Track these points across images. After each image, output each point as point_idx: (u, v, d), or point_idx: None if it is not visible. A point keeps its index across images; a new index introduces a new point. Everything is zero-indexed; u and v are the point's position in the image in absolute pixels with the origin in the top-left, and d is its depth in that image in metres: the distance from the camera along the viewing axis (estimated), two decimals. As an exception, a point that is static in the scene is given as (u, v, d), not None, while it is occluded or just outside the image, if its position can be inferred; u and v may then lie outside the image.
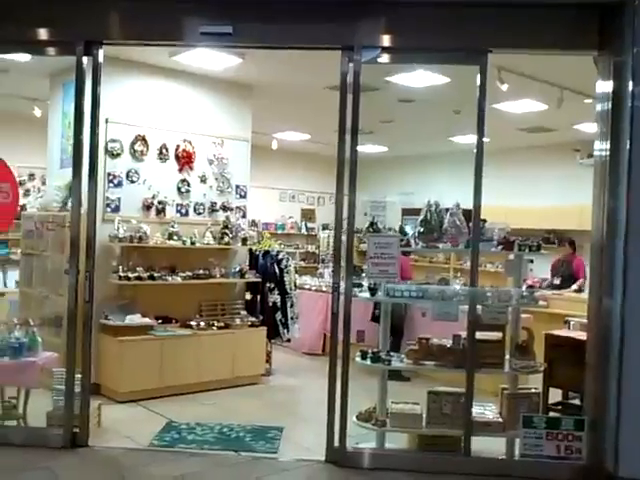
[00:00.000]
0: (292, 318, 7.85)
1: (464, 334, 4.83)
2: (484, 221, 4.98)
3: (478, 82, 4.87)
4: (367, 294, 5.19)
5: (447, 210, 5.17)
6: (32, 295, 7.06)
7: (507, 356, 4.94)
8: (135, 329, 6.50)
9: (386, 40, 4.98)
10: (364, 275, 5.38)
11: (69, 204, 6.43)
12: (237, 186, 7.68)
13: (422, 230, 5.05)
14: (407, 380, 7.06)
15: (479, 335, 4.76)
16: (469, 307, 4.77)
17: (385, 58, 5.06)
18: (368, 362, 5.09)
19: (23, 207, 8.09)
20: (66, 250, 5.38)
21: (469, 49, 4.93)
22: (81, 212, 5.11)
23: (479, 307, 4.78)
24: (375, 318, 7.10)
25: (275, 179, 13.50)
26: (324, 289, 9.42)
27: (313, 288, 9.59)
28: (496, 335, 4.90)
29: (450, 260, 12.23)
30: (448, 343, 4.97)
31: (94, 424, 5.30)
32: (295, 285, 8.06)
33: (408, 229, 5.24)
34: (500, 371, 4.91)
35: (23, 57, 6.58)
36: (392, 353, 5.14)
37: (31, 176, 9.94)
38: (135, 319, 6.53)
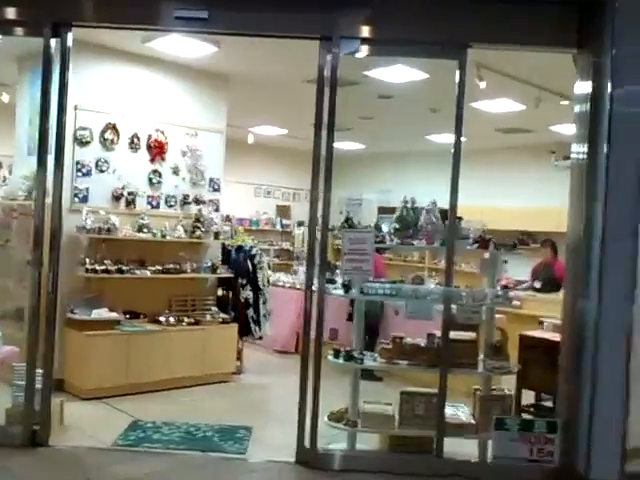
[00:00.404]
0: (264, 315, 7.70)
1: (438, 333, 4.74)
2: (460, 219, 4.91)
3: (457, 78, 4.78)
4: (341, 291, 5.08)
5: (423, 209, 5.10)
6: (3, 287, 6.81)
7: (481, 356, 4.87)
8: (102, 324, 6.30)
9: (365, 31, 4.86)
10: (338, 272, 5.27)
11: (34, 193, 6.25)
12: (211, 179, 7.51)
13: (398, 226, 4.97)
14: (379, 380, 6.98)
15: (453, 335, 4.68)
16: (444, 306, 4.69)
17: (364, 50, 4.96)
18: (340, 361, 4.99)
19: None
20: (31, 241, 5.18)
21: (449, 43, 4.84)
22: (46, 202, 4.91)
23: (453, 306, 4.70)
24: (351, 317, 7.00)
25: (250, 174, 13.35)
26: (298, 287, 9.28)
27: (287, 285, 9.46)
28: (470, 335, 4.83)
29: (425, 259, 12.19)
30: (422, 342, 4.88)
31: (56, 422, 5.10)
32: (268, 282, 7.91)
33: (384, 227, 5.14)
34: (474, 371, 4.83)
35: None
36: (365, 352, 5.03)
37: (-1, 165, 9.64)
38: (102, 313, 6.34)
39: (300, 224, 13.98)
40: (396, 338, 4.95)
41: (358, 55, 4.96)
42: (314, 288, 4.99)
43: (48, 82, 4.85)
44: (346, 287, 5.02)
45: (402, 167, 12.98)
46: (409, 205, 5.00)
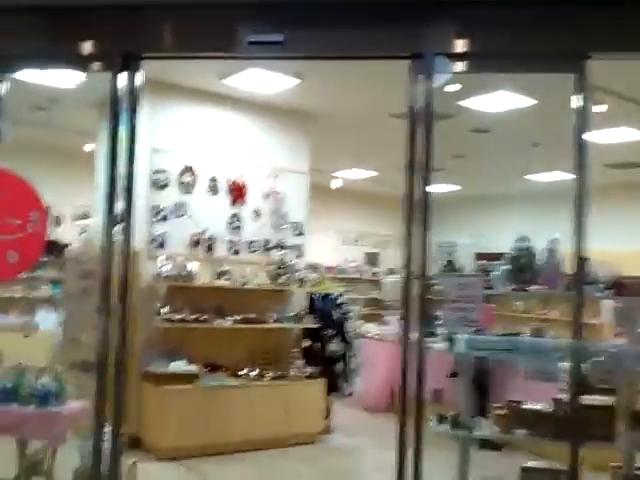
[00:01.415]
0: (354, 370, 7.03)
1: (566, 398, 3.90)
2: (586, 259, 4.12)
3: (574, 98, 4.06)
4: (443, 345, 4.37)
5: (542, 249, 4.34)
6: (73, 337, 6.53)
7: (620, 427, 3.98)
8: (180, 377, 5.85)
9: (461, 46, 4.28)
10: (439, 323, 4.58)
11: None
12: (293, 223, 7.04)
13: (511, 269, 4.22)
14: (498, 449, 5.99)
15: (585, 400, 3.83)
16: (572, 365, 3.85)
17: (460, 67, 4.37)
18: (446, 428, 4.24)
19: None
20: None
21: (563, 54, 4.16)
22: (113, 249, 4.53)
23: (584, 365, 3.87)
24: (454, 374, 6.21)
25: (338, 221, 12.91)
26: (390, 338, 8.58)
27: (377, 337, 8.75)
28: (606, 400, 3.96)
29: (534, 309, 11.09)
30: (544, 408, 4.05)
31: (127, 486, 4.61)
32: (358, 333, 7.26)
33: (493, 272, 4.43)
34: (610, 445, 3.94)
35: (70, 83, 6.27)
36: (476, 418, 4.26)
37: (86, 216, 9.64)
38: (180, 366, 5.89)
39: (390, 272, 13.32)
40: (512, 402, 4.16)
41: (454, 72, 4.36)
42: (410, 342, 4.30)
43: (117, 123, 4.54)
44: (450, 340, 4.31)
45: (498, 209, 12.16)
46: (524, 245, 4.26)
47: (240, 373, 6.29)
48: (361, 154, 9.63)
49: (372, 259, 13.62)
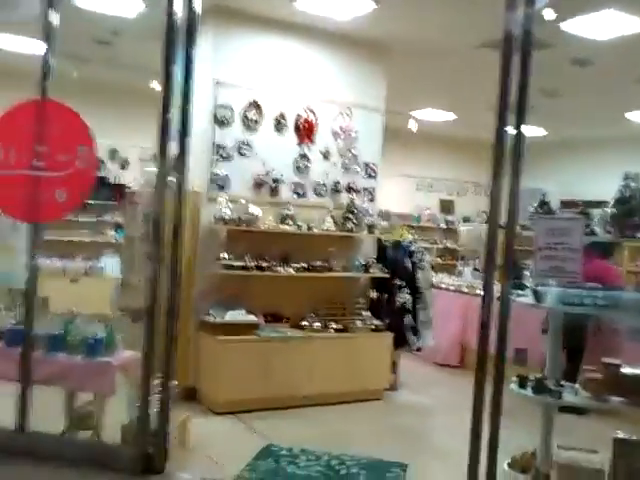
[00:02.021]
0: (425, 323, 6.57)
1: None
2: None
3: None
4: (530, 299, 3.83)
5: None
6: (129, 283, 6.34)
7: None
8: (238, 328, 5.54)
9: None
10: (528, 274, 4.04)
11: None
12: (366, 164, 6.52)
13: (616, 212, 3.60)
14: (583, 414, 5.38)
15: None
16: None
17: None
18: (528, 392, 3.75)
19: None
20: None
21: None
22: (165, 191, 4.17)
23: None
24: (545, 331, 5.63)
25: (411, 166, 12.26)
26: (464, 290, 8.05)
27: (451, 288, 8.24)
28: None
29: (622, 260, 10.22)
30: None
31: (179, 442, 4.39)
32: (431, 284, 6.76)
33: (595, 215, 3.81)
34: None
35: (130, 12, 5.88)
36: (564, 383, 3.74)
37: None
38: (238, 316, 5.58)
39: (466, 220, 12.64)
40: (609, 366, 3.61)
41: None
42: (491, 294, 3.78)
43: (172, 54, 4.10)
44: (537, 294, 3.77)
45: (591, 155, 11.22)
46: (633, 184, 3.62)
47: (302, 324, 5.94)
48: (440, 92, 8.90)
49: (447, 207, 12.94)
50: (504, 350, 3.58)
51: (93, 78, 8.50)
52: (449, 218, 12.80)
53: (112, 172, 9.60)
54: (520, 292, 3.91)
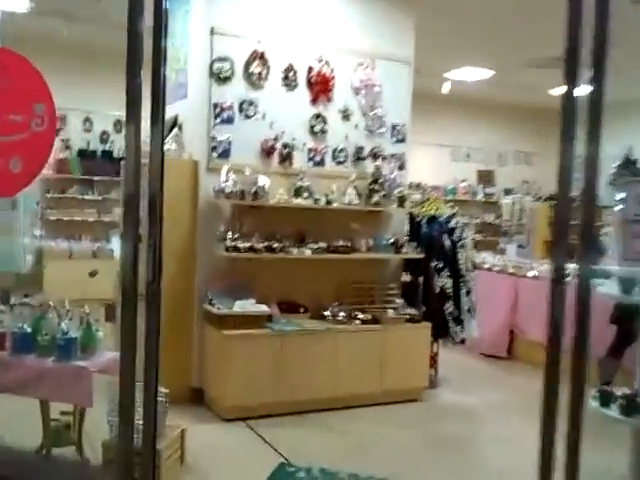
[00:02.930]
0: (468, 310, 5.62)
1: None
2: None
3: None
4: (614, 288, 2.88)
5: None
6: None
7: None
8: (247, 320, 4.67)
9: None
10: (606, 256, 3.07)
11: (166, 148, 4.78)
12: (393, 126, 5.55)
13: None
14: None
15: None
16: None
17: None
18: (614, 412, 2.81)
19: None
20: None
21: None
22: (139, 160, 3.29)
23: None
24: (618, 319, 4.68)
25: (445, 134, 11.22)
26: (511, 270, 7.06)
27: (496, 268, 7.24)
28: None
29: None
30: None
31: (174, 460, 3.57)
32: (473, 265, 5.79)
33: None
34: None
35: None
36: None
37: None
38: (248, 306, 4.71)
39: (507, 192, 11.56)
40: None
41: None
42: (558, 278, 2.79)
43: (136, 3, 3.19)
44: (625, 283, 2.81)
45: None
46: None
47: (323, 315, 5.05)
48: (477, 46, 7.84)
49: (486, 178, 11.85)
50: (584, 354, 2.66)
51: (91, 41, 7.68)
52: (488, 190, 11.72)
53: (118, 145, 8.81)
54: (599, 281, 2.96)
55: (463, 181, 11.52)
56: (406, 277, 5.71)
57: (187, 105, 5.15)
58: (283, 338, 4.71)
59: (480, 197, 11.61)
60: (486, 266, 7.19)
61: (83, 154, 8.89)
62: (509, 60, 8.43)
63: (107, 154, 8.98)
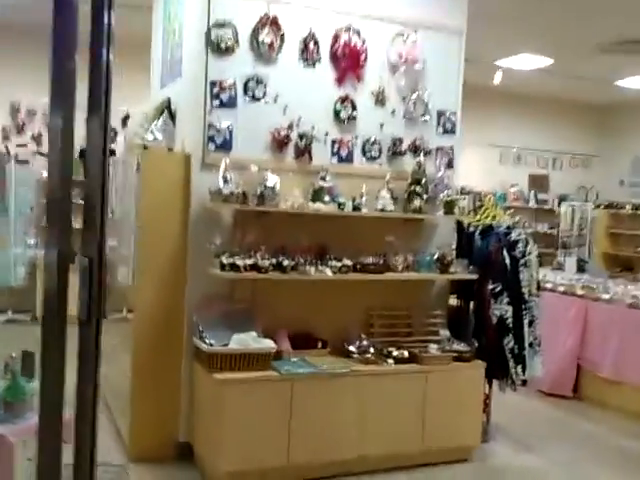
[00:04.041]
0: (531, 344, 4.46)
1: None
2: None
3: None
4: None
5: None
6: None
7: None
8: (248, 359, 3.61)
9: None
10: None
11: (150, 136, 3.81)
12: (440, 113, 4.45)
13: None
14: None
15: None
16: None
17: None
18: None
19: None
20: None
21: None
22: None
23: None
24: None
25: (492, 133, 10.04)
26: (579, 291, 5.85)
27: (559, 289, 6.04)
28: None
29: None
30: None
31: None
32: (538, 286, 4.61)
33: None
34: None
35: None
36: None
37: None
38: (248, 340, 3.64)
39: (563, 199, 10.32)
40: None
41: None
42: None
43: None
44: None
45: None
46: None
47: (348, 350, 3.96)
48: (536, 27, 6.68)
49: (539, 182, 10.61)
50: None
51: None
52: (542, 196, 10.48)
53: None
54: None
55: (513, 186, 10.30)
56: (453, 302, 4.61)
57: (180, 86, 4.14)
58: (294, 383, 3.63)
59: (532, 204, 10.37)
60: (548, 286, 5.99)
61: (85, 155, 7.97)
62: (572, 45, 7.26)
63: (112, 153, 8.05)
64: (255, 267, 3.67)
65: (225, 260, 3.61)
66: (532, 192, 10.44)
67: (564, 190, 10.54)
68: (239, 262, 3.62)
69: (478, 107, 8.90)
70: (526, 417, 5.20)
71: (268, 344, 3.67)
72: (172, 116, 4.17)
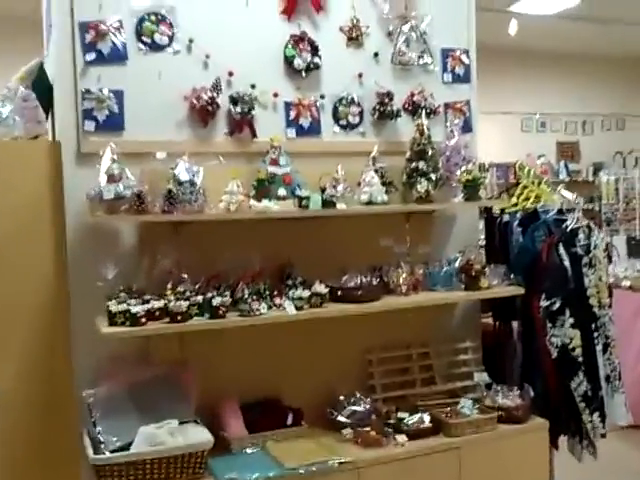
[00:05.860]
0: (608, 379, 3.01)
1: None
2: None
3: None
4: None
5: None
6: None
7: None
8: (167, 467, 2.21)
9: None
10: None
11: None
12: (445, 52, 3.02)
13: None
14: None
15: None
16: None
17: None
18: None
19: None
20: None
21: None
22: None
23: None
24: None
25: (511, 99, 8.66)
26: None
27: (624, 283, 4.59)
28: None
29: None
30: None
31: None
32: (610, 293, 3.15)
33: None
34: None
35: None
36: None
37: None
38: (162, 435, 2.23)
39: (598, 167, 8.89)
40: None
41: None
42: None
43: None
44: None
45: None
46: None
47: (336, 421, 2.56)
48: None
49: (568, 151, 9.19)
50: None
51: None
52: (573, 167, 9.07)
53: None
54: None
55: (540, 157, 8.84)
56: (487, 320, 3.20)
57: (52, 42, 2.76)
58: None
59: (563, 176, 8.91)
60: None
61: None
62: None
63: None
64: (166, 313, 2.28)
65: (114, 307, 2.22)
66: (562, 163, 9.04)
67: (598, 158, 9.19)
68: (136, 308, 2.22)
69: (492, 69, 7.51)
70: (602, 469, 3.75)
71: (200, 437, 2.27)
72: (48, 89, 2.78)
